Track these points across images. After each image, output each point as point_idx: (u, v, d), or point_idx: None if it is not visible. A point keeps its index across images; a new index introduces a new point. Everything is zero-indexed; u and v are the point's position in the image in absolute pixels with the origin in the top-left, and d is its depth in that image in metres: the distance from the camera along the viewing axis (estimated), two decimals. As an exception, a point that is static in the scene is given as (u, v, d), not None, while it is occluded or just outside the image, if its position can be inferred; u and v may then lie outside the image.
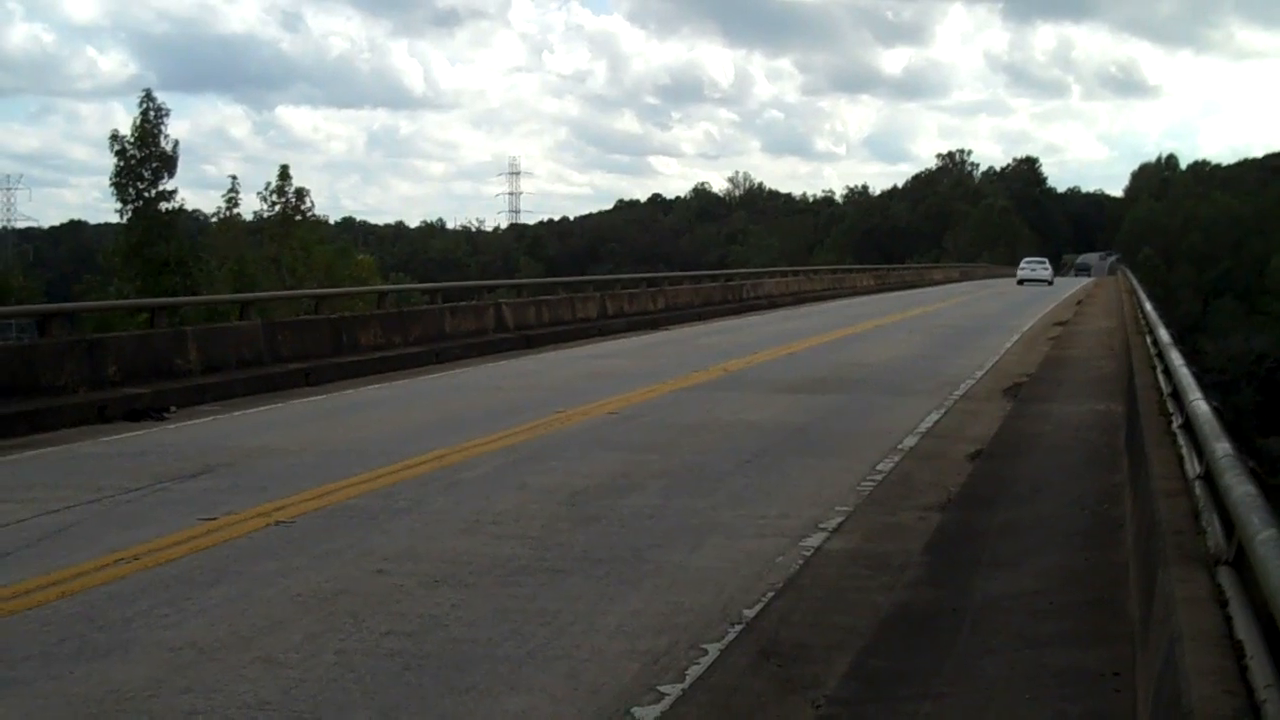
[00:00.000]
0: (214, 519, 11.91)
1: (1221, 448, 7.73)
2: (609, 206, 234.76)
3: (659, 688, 7.69)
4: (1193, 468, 9.42)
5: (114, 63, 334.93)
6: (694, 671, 8.00)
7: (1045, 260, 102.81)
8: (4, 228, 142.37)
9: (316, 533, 11.48)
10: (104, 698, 7.44)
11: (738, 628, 8.91)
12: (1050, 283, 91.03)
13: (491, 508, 12.49)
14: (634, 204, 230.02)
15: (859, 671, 7.96)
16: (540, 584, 9.88)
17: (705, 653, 8.35)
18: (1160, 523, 8.22)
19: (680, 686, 7.73)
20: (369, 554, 10.70)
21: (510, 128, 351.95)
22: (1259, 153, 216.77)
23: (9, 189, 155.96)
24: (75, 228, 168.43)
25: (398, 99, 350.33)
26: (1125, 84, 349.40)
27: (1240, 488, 6.47)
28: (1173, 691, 5.36)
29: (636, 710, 7.36)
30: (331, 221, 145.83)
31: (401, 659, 8.13)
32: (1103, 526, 11.28)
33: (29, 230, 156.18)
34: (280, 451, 15.82)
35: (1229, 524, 6.78)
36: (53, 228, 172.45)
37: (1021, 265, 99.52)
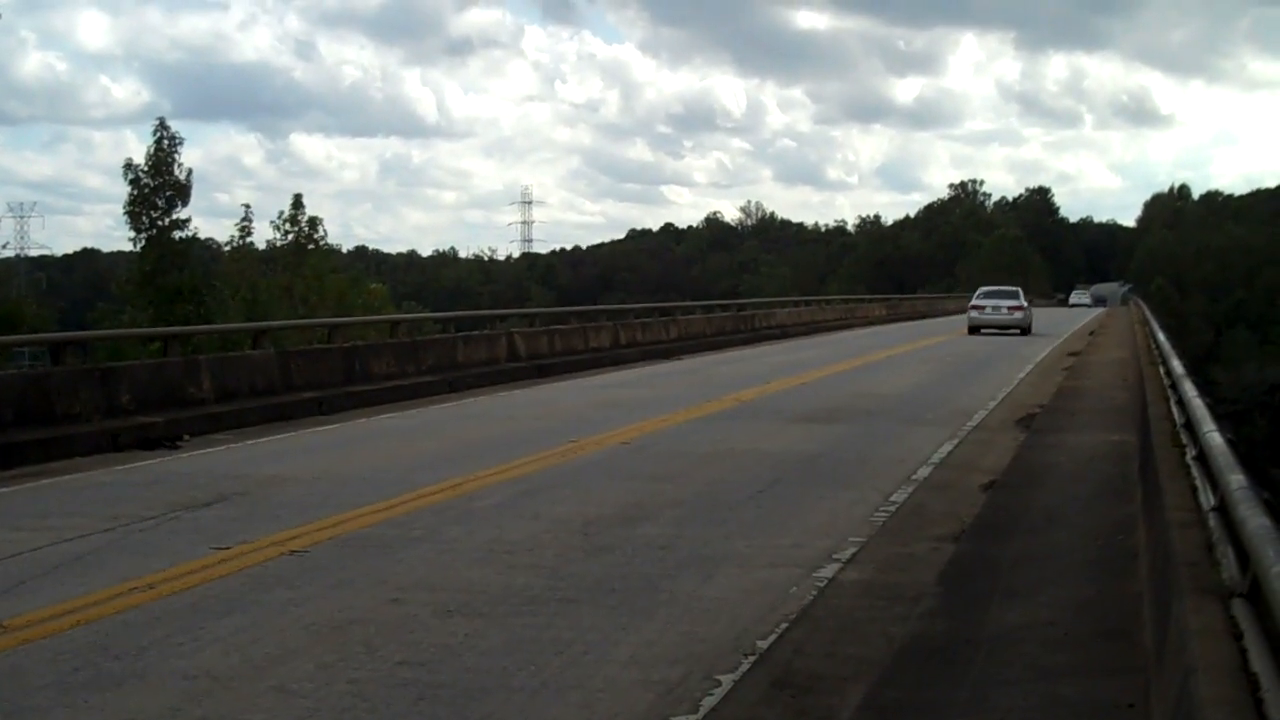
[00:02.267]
0: (228, 548, 11.93)
1: (1236, 480, 7.74)
2: (621, 235, 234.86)
3: (673, 719, 7.69)
4: (1207, 499, 9.43)
5: (127, 91, 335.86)
6: (708, 702, 7.99)
7: (1087, 290, 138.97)
8: (17, 255, 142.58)
9: (330, 562, 11.50)
10: (121, 727, 7.48)
11: (751, 658, 8.90)
12: (1090, 305, 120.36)
13: (505, 537, 12.51)
14: (646, 233, 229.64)
15: (873, 703, 7.95)
16: (554, 614, 9.88)
17: (719, 683, 8.33)
18: (1174, 554, 8.22)
19: (694, 718, 7.73)
20: (382, 583, 10.71)
21: (523, 156, 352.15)
22: (1272, 183, 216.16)
23: (22, 217, 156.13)
24: (88, 255, 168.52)
25: (410, 127, 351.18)
26: (1138, 114, 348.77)
27: (1255, 520, 6.48)
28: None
29: (650, 741, 7.39)
30: (344, 250, 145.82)
31: (415, 689, 8.13)
32: (1117, 557, 11.27)
33: (42, 258, 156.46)
34: (294, 480, 15.85)
35: (1244, 556, 6.79)
36: (66, 255, 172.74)
37: (1074, 292, 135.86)
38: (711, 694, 8.14)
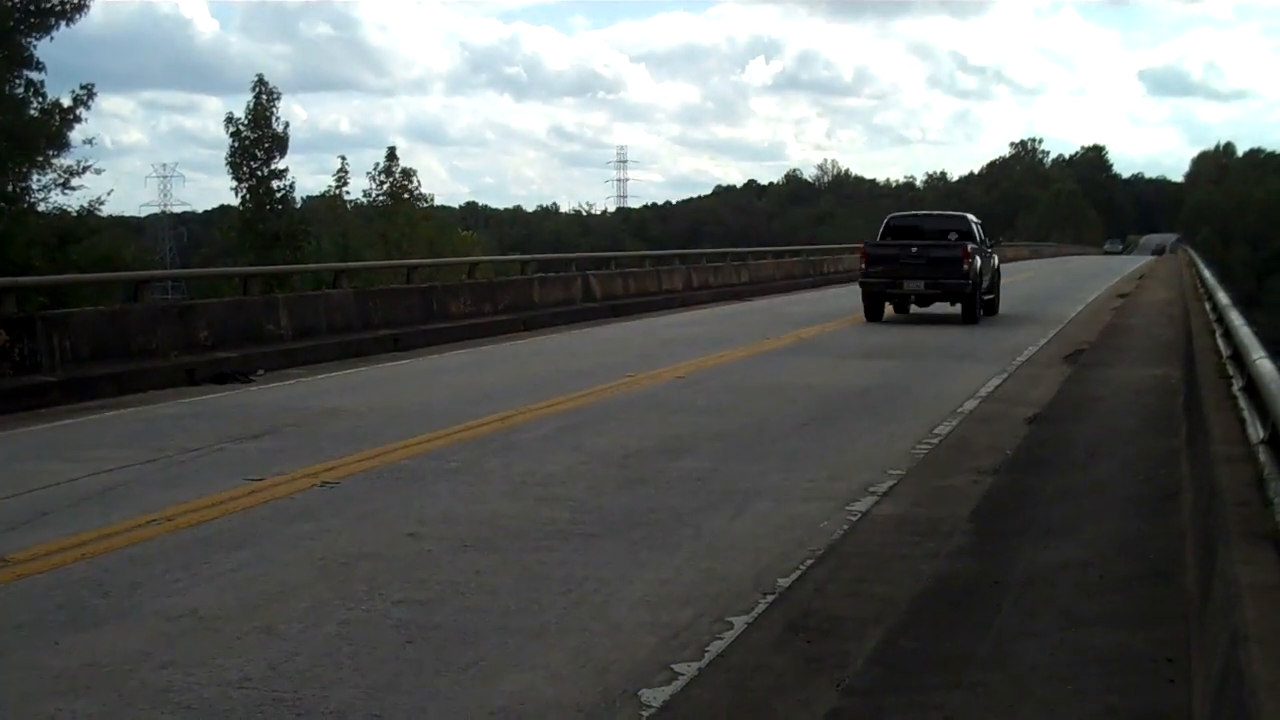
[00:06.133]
0: (260, 480, 10.81)
1: (1291, 409, 6.35)
2: (708, 192, 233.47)
3: (674, 666, 6.45)
4: (1256, 432, 8.07)
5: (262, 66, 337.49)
6: (715, 647, 6.75)
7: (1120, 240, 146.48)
8: (161, 211, 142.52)
9: (359, 494, 10.36)
10: (78, 672, 6.32)
11: (769, 598, 7.65)
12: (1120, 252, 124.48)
13: (541, 469, 11.31)
14: (730, 189, 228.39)
15: (884, 655, 6.59)
16: (572, 549, 8.68)
17: (730, 626, 7.10)
18: (1221, 492, 6.86)
19: (697, 665, 6.48)
20: (405, 516, 9.55)
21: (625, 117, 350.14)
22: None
23: (165, 176, 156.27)
24: (225, 211, 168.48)
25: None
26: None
27: (1316, 455, 5.11)
28: (1237, 708, 4.04)
29: (644, 693, 6.12)
30: (455, 206, 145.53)
31: (406, 631, 6.95)
32: (1159, 492, 9.87)
33: (184, 214, 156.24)
34: (349, 412, 14.73)
35: (1300, 497, 5.44)
36: (206, 211, 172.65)
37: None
38: (721, 638, 6.91)
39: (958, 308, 29.40)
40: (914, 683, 6.19)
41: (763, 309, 34.15)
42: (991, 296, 31.24)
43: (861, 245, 31.46)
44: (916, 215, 35.34)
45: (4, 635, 6.89)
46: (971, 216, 32.33)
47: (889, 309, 30.44)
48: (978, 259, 29.27)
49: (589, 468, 11.44)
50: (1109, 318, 30.44)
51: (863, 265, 29.86)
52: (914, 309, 30.89)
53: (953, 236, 30.25)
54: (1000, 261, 34.06)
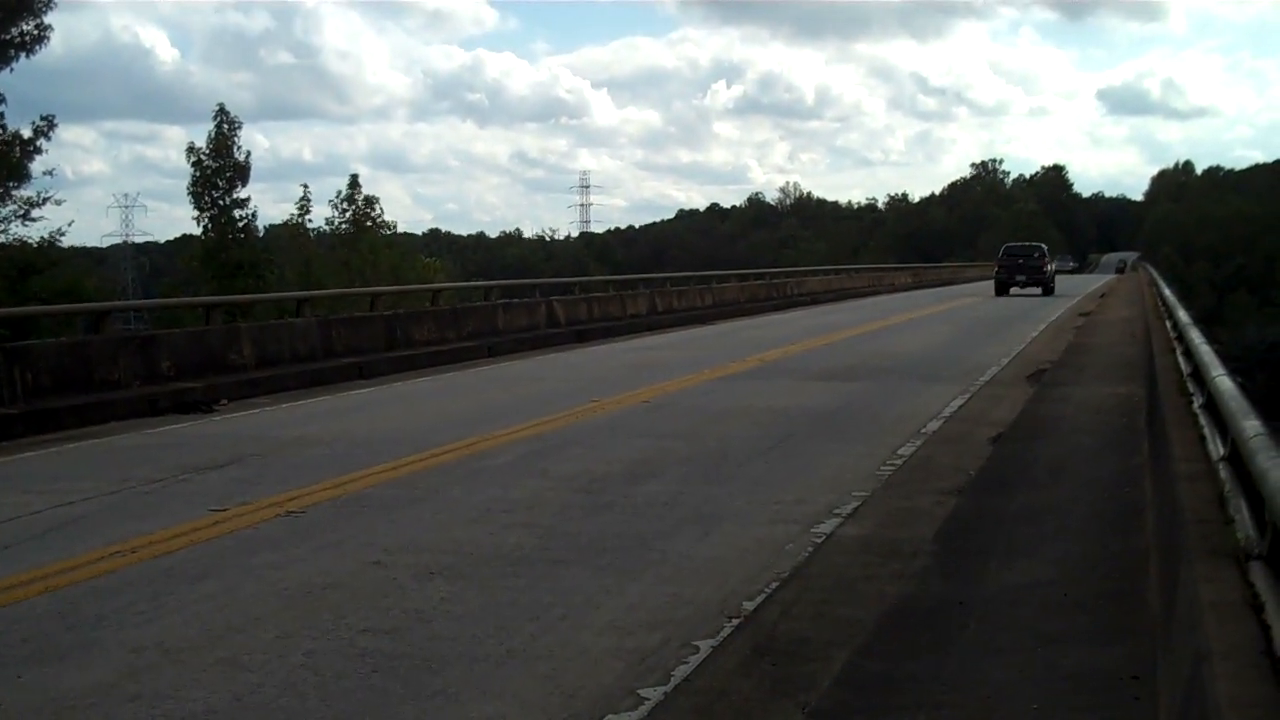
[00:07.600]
0: (224, 510, 10.76)
1: (1251, 426, 6.35)
2: (671, 216, 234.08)
3: (640, 691, 6.44)
4: (1216, 449, 8.11)
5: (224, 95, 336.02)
6: (681, 672, 6.74)
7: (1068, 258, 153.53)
8: (123, 241, 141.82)
9: (324, 523, 10.31)
10: (42, 707, 6.28)
11: (735, 621, 7.64)
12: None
13: (507, 496, 11.30)
14: (694, 213, 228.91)
15: (852, 677, 6.59)
16: (538, 575, 8.67)
17: (697, 650, 7.08)
18: (1183, 510, 6.89)
19: (663, 690, 6.47)
20: (370, 545, 9.52)
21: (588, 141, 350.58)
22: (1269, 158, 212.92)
23: (127, 207, 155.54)
24: (187, 241, 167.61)
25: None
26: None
27: (1277, 471, 5.11)
28: (1202, 725, 4.05)
29: (611, 718, 6.13)
30: (418, 233, 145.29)
31: (372, 660, 6.92)
32: (1122, 511, 9.92)
33: (147, 244, 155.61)
34: (314, 441, 14.69)
35: (1261, 512, 5.46)
36: (168, 241, 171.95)
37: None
38: (687, 662, 6.90)
39: (1038, 290, 57.60)
40: (880, 704, 6.21)
41: (727, 332, 34.25)
42: (1053, 285, 59.30)
43: (995, 261, 61.54)
44: (1019, 245, 64.11)
45: (-34, 671, 6.85)
46: (1043, 245, 64.39)
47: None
48: (1049, 265, 60.45)
49: (555, 493, 11.43)
50: (1071, 336, 30.58)
51: (995, 269, 60.49)
52: (1014, 291, 57.72)
53: (1037, 255, 60.43)
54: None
